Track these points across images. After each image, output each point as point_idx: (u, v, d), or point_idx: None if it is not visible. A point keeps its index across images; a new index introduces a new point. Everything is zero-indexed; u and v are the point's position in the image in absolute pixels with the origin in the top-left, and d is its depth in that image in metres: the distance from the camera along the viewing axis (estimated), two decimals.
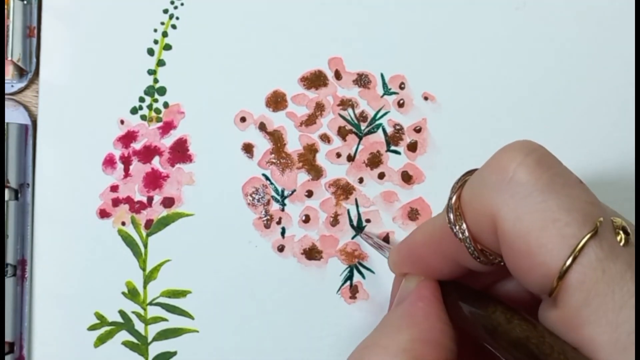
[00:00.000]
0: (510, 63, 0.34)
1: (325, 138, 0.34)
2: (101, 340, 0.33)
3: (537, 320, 0.20)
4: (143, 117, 0.34)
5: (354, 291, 0.33)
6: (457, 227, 0.20)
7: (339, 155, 0.34)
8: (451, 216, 0.20)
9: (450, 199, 0.20)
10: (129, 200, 0.34)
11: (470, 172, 0.21)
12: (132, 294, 0.33)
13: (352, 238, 0.33)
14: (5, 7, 0.33)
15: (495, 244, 0.19)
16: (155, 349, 0.33)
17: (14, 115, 0.34)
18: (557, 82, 0.34)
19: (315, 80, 0.34)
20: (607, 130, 0.33)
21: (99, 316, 0.33)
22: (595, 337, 0.17)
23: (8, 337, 0.32)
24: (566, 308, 0.17)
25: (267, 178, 0.34)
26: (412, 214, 0.33)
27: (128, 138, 0.34)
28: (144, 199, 0.34)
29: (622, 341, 0.16)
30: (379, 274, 0.33)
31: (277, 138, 0.34)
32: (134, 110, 0.34)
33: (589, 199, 0.18)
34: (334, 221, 0.33)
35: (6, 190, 0.32)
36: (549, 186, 0.18)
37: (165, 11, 0.34)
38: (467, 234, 0.20)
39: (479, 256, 0.20)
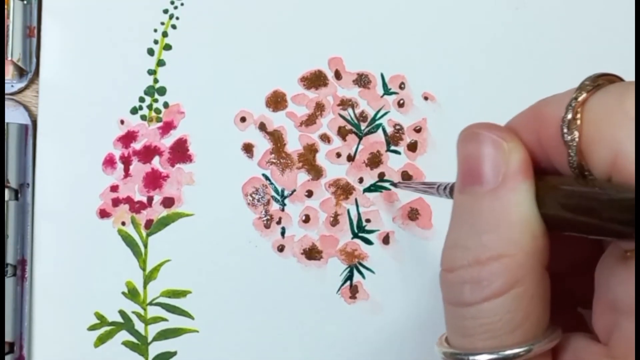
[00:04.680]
0: (510, 63, 0.34)
1: (325, 138, 0.34)
2: (101, 340, 0.33)
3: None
4: (143, 117, 0.34)
5: (354, 291, 0.33)
6: (569, 131, 0.18)
7: (339, 155, 0.34)
8: (569, 114, 0.18)
9: (575, 98, 0.18)
10: (129, 200, 0.34)
11: (608, 77, 0.19)
12: (132, 294, 0.33)
13: (393, 185, 0.33)
14: (5, 7, 0.33)
15: (601, 171, 0.18)
16: (155, 349, 0.33)
17: (14, 115, 0.34)
18: (558, 82, 0.34)
19: (315, 80, 0.34)
20: None
21: (99, 316, 0.33)
22: None
23: (8, 337, 0.32)
24: None
25: (267, 178, 0.34)
26: (412, 214, 0.33)
27: (128, 138, 0.34)
28: (144, 199, 0.34)
29: None
30: (379, 274, 0.33)
31: (277, 138, 0.34)
32: (134, 110, 0.34)
33: None
34: (334, 221, 0.33)
35: (6, 190, 0.32)
36: None
37: (165, 11, 0.34)
38: (575, 143, 0.18)
39: (576, 167, 0.18)
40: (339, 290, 0.33)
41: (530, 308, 0.18)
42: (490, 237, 0.18)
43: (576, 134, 0.18)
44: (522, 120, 0.20)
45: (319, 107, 0.34)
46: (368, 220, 0.33)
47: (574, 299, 0.24)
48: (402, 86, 0.34)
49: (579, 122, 0.18)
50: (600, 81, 0.18)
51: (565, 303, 0.20)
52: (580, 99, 0.18)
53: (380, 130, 0.34)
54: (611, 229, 0.17)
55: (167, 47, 0.34)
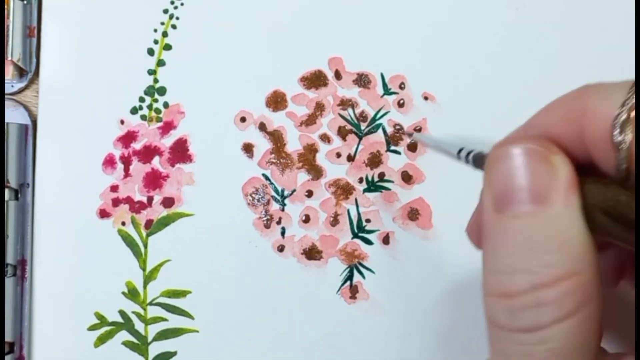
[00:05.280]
0: (510, 63, 0.34)
1: (325, 138, 0.34)
2: (101, 340, 0.33)
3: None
4: (143, 117, 0.34)
5: (354, 291, 0.33)
6: (621, 132, 0.17)
7: (339, 155, 0.34)
8: (624, 115, 0.17)
9: (632, 97, 0.17)
10: (129, 200, 0.34)
11: None
12: (132, 294, 0.33)
13: (409, 135, 0.33)
14: (5, 7, 0.33)
15: None
16: (155, 349, 0.33)
17: (14, 115, 0.34)
18: (558, 82, 0.34)
19: (315, 80, 0.34)
20: None
21: (99, 316, 0.33)
22: None
23: (8, 337, 0.32)
24: None
25: (267, 178, 0.34)
26: (412, 214, 0.33)
27: (128, 138, 0.34)
28: (144, 199, 0.34)
29: None
30: (379, 274, 0.33)
31: (277, 138, 0.34)
32: (134, 110, 0.34)
33: None
34: (334, 221, 0.33)
35: (6, 190, 0.32)
36: None
37: (165, 11, 0.34)
38: (626, 147, 0.17)
39: (623, 172, 0.17)
40: (339, 290, 0.33)
41: (597, 328, 0.17)
42: (556, 257, 0.17)
43: (630, 136, 0.17)
44: (561, 113, 0.19)
45: (319, 107, 0.34)
46: (368, 220, 0.33)
47: None
48: (402, 86, 0.34)
49: (631, 123, 0.16)
50: None
51: None
52: (634, 100, 0.17)
53: (380, 130, 0.34)
54: None
55: (167, 47, 0.34)
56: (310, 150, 0.34)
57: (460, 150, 0.24)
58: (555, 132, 0.18)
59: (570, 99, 0.19)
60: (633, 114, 0.16)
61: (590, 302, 0.17)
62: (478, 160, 0.23)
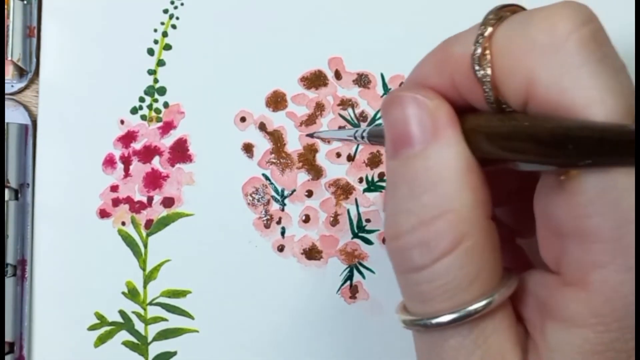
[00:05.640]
0: None
1: (325, 138, 0.34)
2: (101, 340, 0.33)
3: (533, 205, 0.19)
4: (143, 117, 0.34)
5: (354, 291, 0.33)
6: (480, 67, 0.18)
7: (339, 155, 0.34)
8: (478, 50, 0.18)
9: (482, 34, 0.18)
10: (129, 200, 0.34)
11: (511, 8, 0.18)
12: (132, 294, 0.33)
13: (310, 136, 0.33)
14: (5, 7, 0.33)
15: (518, 103, 0.18)
16: (155, 349, 0.33)
17: (14, 115, 0.34)
18: None
19: (315, 80, 0.34)
20: None
21: (99, 316, 0.33)
22: (598, 231, 0.16)
23: (8, 337, 0.32)
24: (578, 195, 0.16)
25: (267, 178, 0.34)
26: None
27: (128, 138, 0.34)
28: (144, 199, 0.34)
29: (629, 239, 0.16)
30: (379, 274, 0.33)
31: (277, 138, 0.34)
32: (134, 110, 0.34)
33: (631, 87, 0.17)
34: (334, 221, 0.33)
35: (6, 190, 0.32)
36: (600, 64, 0.16)
37: (165, 11, 0.34)
38: (488, 79, 0.18)
39: (494, 102, 0.18)
40: (339, 290, 0.33)
41: (483, 260, 0.18)
42: (430, 196, 0.18)
43: (488, 69, 0.18)
44: (431, 65, 0.20)
45: (319, 107, 0.34)
46: (368, 220, 0.33)
47: (511, 232, 0.23)
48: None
49: (489, 56, 0.18)
50: (503, 13, 0.18)
51: (503, 237, 0.19)
52: (486, 33, 0.18)
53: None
54: (540, 159, 0.17)
55: (167, 47, 0.34)
56: (310, 150, 0.34)
57: (355, 132, 0.26)
58: (432, 83, 0.20)
59: (436, 52, 0.20)
60: (487, 49, 0.18)
61: (470, 235, 0.18)
62: (372, 136, 0.25)
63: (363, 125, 0.33)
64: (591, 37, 0.17)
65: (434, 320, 0.18)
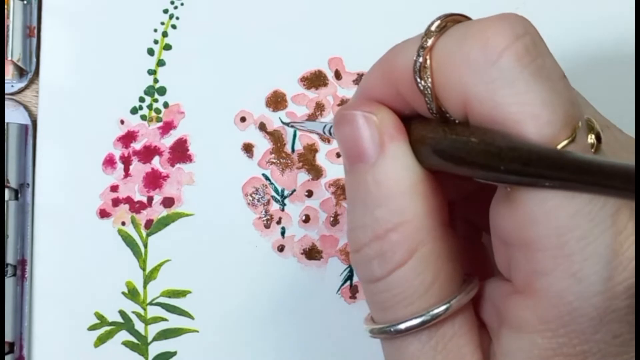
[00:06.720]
0: None
1: (325, 138, 0.34)
2: (101, 340, 0.33)
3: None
4: (143, 117, 0.34)
5: (354, 291, 0.33)
6: (421, 78, 0.18)
7: (339, 155, 0.34)
8: (419, 62, 0.18)
9: (422, 46, 0.18)
10: (129, 200, 0.34)
11: (454, 17, 0.19)
12: (132, 294, 0.33)
13: (285, 124, 0.33)
14: (5, 7, 0.33)
15: (459, 114, 0.18)
16: (155, 349, 0.33)
17: (14, 115, 0.34)
18: None
19: (315, 80, 0.34)
20: None
21: (99, 316, 0.33)
22: (540, 240, 0.16)
23: (8, 337, 0.32)
24: (521, 206, 0.17)
25: (267, 178, 0.34)
26: None
27: (128, 138, 0.34)
28: (144, 199, 0.34)
29: (570, 246, 0.16)
30: None
31: (277, 138, 0.34)
32: (134, 110, 0.34)
33: (571, 97, 0.17)
34: (334, 221, 0.33)
35: (6, 190, 0.32)
36: (535, 77, 0.16)
37: (165, 11, 0.34)
38: (429, 90, 0.18)
39: (436, 113, 0.18)
40: (339, 290, 0.33)
41: (438, 267, 0.18)
42: (382, 211, 0.18)
43: (429, 80, 0.18)
44: (378, 75, 0.20)
45: (319, 107, 0.34)
46: None
47: (477, 230, 0.24)
48: None
49: (429, 69, 0.18)
50: (446, 23, 0.18)
51: (473, 240, 0.20)
52: (427, 44, 0.18)
53: None
54: (477, 175, 0.17)
55: (167, 47, 0.34)
56: (310, 150, 0.34)
57: (324, 127, 0.26)
58: (379, 93, 0.20)
59: (382, 62, 0.20)
60: (427, 60, 0.18)
61: (425, 243, 0.18)
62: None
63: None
64: (525, 51, 0.17)
65: (394, 328, 0.19)
